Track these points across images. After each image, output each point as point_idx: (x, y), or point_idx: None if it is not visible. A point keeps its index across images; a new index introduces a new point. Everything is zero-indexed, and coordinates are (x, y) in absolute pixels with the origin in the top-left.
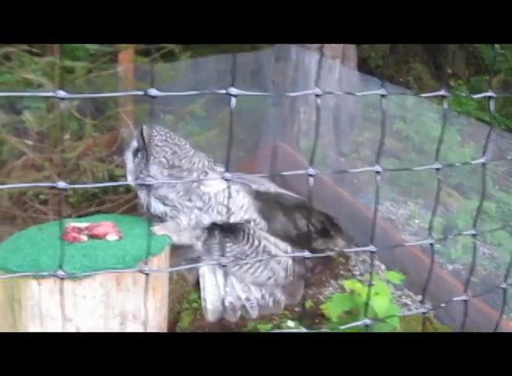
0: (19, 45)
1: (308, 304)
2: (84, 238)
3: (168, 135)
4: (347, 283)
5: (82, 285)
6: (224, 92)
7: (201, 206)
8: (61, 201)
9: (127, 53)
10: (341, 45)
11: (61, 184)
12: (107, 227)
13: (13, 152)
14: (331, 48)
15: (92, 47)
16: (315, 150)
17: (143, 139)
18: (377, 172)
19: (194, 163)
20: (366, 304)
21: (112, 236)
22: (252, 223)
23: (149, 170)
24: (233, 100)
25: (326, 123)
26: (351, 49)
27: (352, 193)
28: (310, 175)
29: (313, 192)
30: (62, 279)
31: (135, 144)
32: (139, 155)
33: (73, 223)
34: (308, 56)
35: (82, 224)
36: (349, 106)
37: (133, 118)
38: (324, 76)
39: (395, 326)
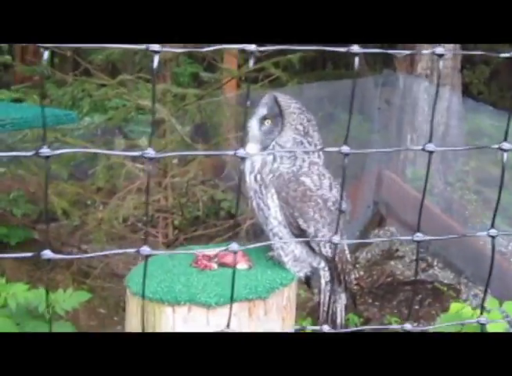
0: (134, 73)
1: None
2: (215, 266)
3: (300, 104)
4: (456, 306)
5: (216, 314)
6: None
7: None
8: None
9: (232, 81)
10: (449, 71)
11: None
12: (237, 256)
13: (128, 176)
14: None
15: (200, 74)
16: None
17: (279, 105)
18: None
19: (316, 144)
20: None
21: (242, 266)
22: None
23: (282, 136)
24: None
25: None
26: (456, 75)
27: (461, 223)
28: None
29: (423, 221)
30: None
31: (262, 111)
32: (267, 122)
33: (203, 251)
34: (416, 83)
35: (211, 252)
36: (453, 135)
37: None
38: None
39: None
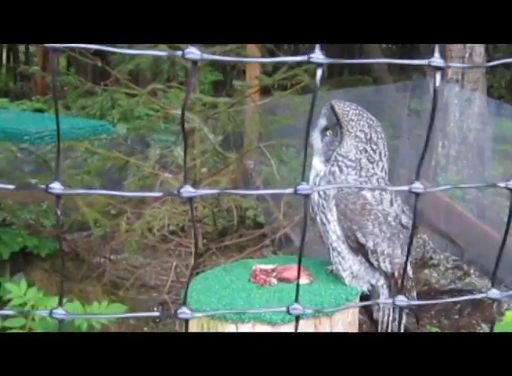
0: (163, 82)
1: None
2: (275, 281)
3: (361, 108)
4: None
5: (282, 331)
6: None
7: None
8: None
9: (256, 89)
10: (479, 75)
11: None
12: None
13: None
14: (470, 80)
15: (233, 83)
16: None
17: (336, 114)
18: None
19: (381, 153)
20: None
21: (303, 280)
22: None
23: (343, 146)
24: None
25: (465, 157)
26: (482, 79)
27: (496, 229)
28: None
29: (457, 228)
30: None
31: (323, 123)
32: (329, 133)
33: (259, 265)
34: (447, 89)
35: (268, 266)
36: (481, 139)
37: (273, 152)
38: (464, 109)
39: None
